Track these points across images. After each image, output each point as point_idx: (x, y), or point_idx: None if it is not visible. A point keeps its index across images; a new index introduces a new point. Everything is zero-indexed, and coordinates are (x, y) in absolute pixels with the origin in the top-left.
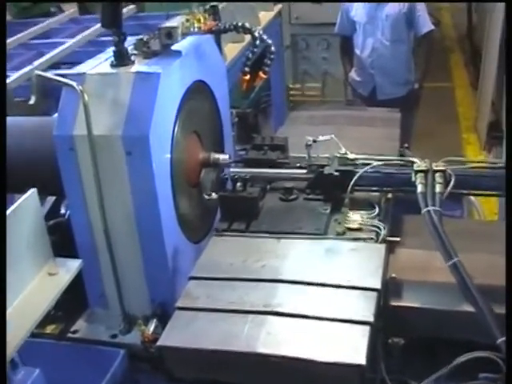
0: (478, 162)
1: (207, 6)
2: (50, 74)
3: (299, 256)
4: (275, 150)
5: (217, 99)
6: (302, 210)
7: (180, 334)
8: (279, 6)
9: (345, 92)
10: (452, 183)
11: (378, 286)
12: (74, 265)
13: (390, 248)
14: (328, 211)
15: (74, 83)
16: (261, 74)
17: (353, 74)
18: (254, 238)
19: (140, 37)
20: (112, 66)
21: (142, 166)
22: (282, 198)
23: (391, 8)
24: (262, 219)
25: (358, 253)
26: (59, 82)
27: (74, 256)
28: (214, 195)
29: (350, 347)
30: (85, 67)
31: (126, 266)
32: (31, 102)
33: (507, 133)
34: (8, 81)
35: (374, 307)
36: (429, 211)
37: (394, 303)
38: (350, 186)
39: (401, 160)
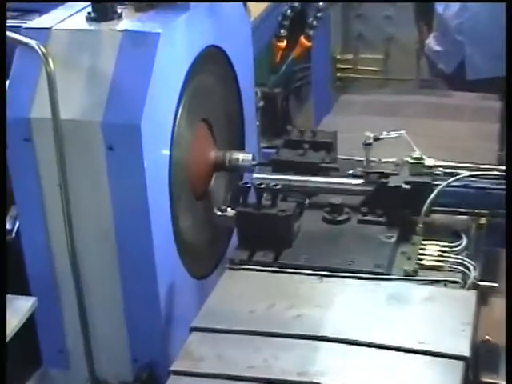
0: None
1: None
2: None
3: (349, 304)
4: (318, 149)
5: (237, 73)
6: (356, 236)
7: None
8: None
9: (418, 68)
10: None
11: (466, 352)
12: (25, 305)
13: (483, 297)
14: (393, 240)
15: (32, 42)
16: (302, 39)
17: (431, 42)
18: (285, 275)
19: None
20: (89, 19)
21: (129, 167)
22: (326, 219)
23: None
24: (298, 248)
25: (435, 303)
26: (11, 39)
27: (25, 292)
28: (229, 211)
29: None
30: (49, 20)
31: (100, 309)
32: None
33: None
34: None
35: None
36: None
37: (487, 379)
38: (425, 206)
39: (502, 170)
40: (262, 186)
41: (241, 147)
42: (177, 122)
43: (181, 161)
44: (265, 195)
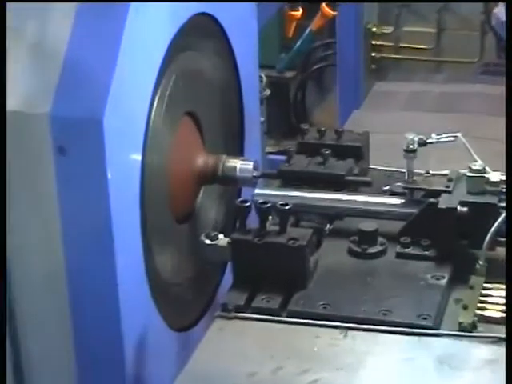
0: None
1: None
2: None
3: (384, 369)
4: (343, 156)
5: (235, 52)
6: (393, 276)
7: None
8: None
9: (482, 47)
10: None
11: None
12: None
13: None
14: (444, 282)
15: None
16: (324, 7)
17: (501, 12)
18: (296, 327)
19: None
20: None
21: (87, 177)
22: (353, 252)
23: None
24: (315, 291)
25: (500, 368)
26: None
27: None
28: (221, 239)
29: None
30: None
31: (44, 374)
32: None
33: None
34: None
35: None
36: None
37: None
38: (489, 235)
39: None
40: (267, 206)
41: (239, 152)
42: (152, 117)
43: (157, 169)
44: (270, 218)
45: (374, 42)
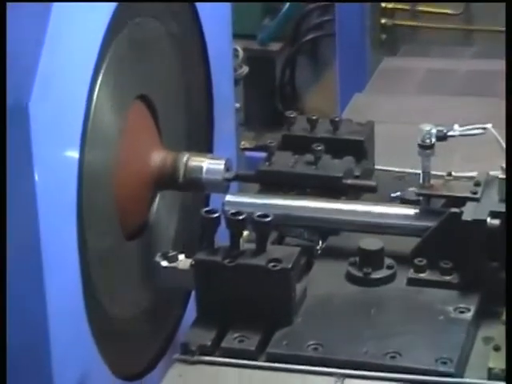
0: None
1: None
2: None
3: None
4: (341, 153)
5: (201, 17)
6: (404, 308)
7: None
8: None
9: None
10: None
11: None
12: None
13: None
14: (469, 316)
15: None
16: None
17: None
18: (278, 374)
19: None
20: None
21: (11, 179)
22: (353, 277)
23: None
24: (303, 327)
25: None
26: None
27: None
28: (182, 260)
29: None
30: None
31: None
32: None
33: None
34: None
35: None
36: None
37: None
38: None
39: None
40: (241, 218)
41: (206, 147)
42: (93, 102)
43: (100, 170)
44: (245, 233)
45: (384, 5)
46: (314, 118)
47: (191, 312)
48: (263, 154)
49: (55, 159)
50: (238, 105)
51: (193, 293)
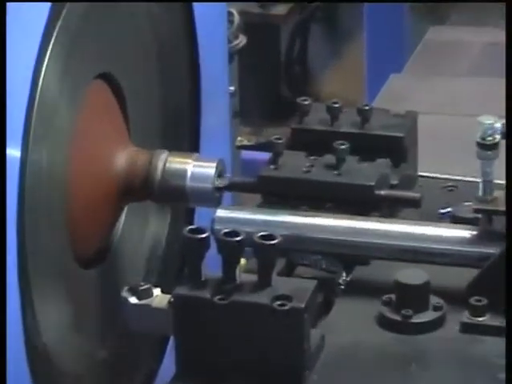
0: None
1: None
2: None
3: None
4: (372, 154)
5: None
6: (455, 362)
7: None
8: None
9: None
10: None
11: None
12: None
13: None
14: None
15: None
16: None
17: None
18: None
19: None
20: None
21: None
22: (387, 320)
23: None
24: None
25: None
26: None
27: None
28: (157, 296)
29: None
30: None
31: None
32: None
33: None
34: None
35: None
36: None
37: None
38: None
39: None
40: (238, 239)
41: (191, 145)
42: (40, 83)
43: (48, 174)
44: (243, 261)
45: None
46: (337, 105)
47: (168, 366)
48: (266, 155)
49: None
50: (232, 88)
51: (171, 340)
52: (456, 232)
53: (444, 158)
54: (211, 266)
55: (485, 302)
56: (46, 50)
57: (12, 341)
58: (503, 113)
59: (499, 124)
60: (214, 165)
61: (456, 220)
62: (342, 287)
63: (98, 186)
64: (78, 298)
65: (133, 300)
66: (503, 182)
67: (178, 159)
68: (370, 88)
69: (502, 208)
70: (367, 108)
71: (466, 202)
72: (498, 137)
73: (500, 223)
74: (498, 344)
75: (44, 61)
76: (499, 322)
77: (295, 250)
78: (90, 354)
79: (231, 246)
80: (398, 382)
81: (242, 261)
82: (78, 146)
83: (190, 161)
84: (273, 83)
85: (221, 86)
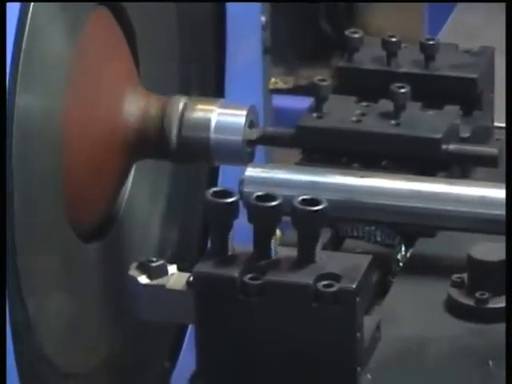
0: None
1: None
2: None
3: None
4: (439, 99)
5: None
6: None
7: None
8: None
9: None
10: None
11: None
12: None
13: None
14: None
15: None
16: None
17: None
18: None
19: None
20: None
21: None
22: (458, 305)
23: None
24: None
25: None
26: None
27: None
28: (172, 274)
29: None
30: None
31: None
32: None
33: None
34: None
35: None
36: None
37: None
38: None
39: None
40: (274, 204)
41: (215, 88)
42: (30, 9)
43: (39, 122)
44: (278, 233)
45: None
46: (394, 40)
47: (186, 364)
48: (306, 101)
49: None
50: (263, 18)
51: (189, 330)
52: None
53: None
54: (240, 238)
55: None
56: None
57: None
58: None
59: None
60: (244, 113)
61: None
62: (401, 264)
63: (99, 138)
64: (77, 279)
65: (143, 280)
66: None
67: (200, 106)
68: (429, 19)
69: None
70: (432, 43)
71: None
72: None
73: None
74: None
75: None
76: None
77: (344, 219)
78: (94, 347)
79: (265, 213)
80: (474, 380)
81: (278, 232)
82: (76, 87)
83: (214, 108)
84: (310, 14)
85: (250, 16)
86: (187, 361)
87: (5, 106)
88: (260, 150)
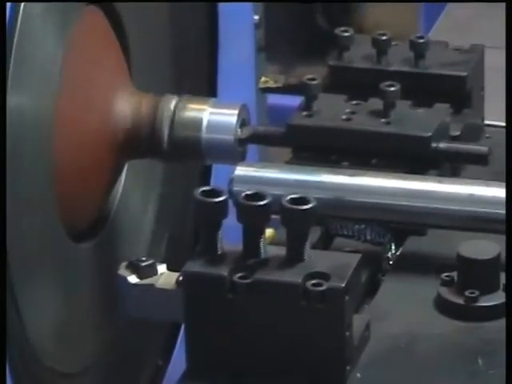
0: None
1: None
2: None
3: None
4: (429, 97)
5: None
6: None
7: None
8: None
9: None
10: None
11: None
12: None
13: None
14: None
15: None
16: None
17: None
18: None
19: None
20: None
21: None
22: (447, 303)
23: None
24: None
25: None
26: None
27: None
28: (162, 273)
29: None
30: None
31: None
32: None
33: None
34: None
35: None
36: None
37: None
38: None
39: None
40: (263, 203)
41: (207, 88)
42: (21, 8)
43: (30, 121)
44: (269, 231)
45: None
46: (385, 38)
47: (178, 363)
48: (297, 99)
49: None
50: (256, 17)
51: (181, 329)
52: None
53: None
54: (230, 237)
55: None
56: None
57: None
58: None
59: None
60: (236, 112)
61: None
62: (391, 263)
63: (91, 137)
64: (69, 279)
65: (132, 279)
66: None
67: (192, 105)
68: (425, 16)
69: None
70: (422, 41)
71: None
72: None
73: None
74: None
75: None
76: None
77: (333, 217)
78: (84, 348)
79: (254, 212)
80: (463, 379)
81: (268, 231)
82: (67, 87)
83: (205, 107)
84: (305, 10)
85: (243, 15)
86: (180, 359)
87: (5, 105)
88: (252, 148)
